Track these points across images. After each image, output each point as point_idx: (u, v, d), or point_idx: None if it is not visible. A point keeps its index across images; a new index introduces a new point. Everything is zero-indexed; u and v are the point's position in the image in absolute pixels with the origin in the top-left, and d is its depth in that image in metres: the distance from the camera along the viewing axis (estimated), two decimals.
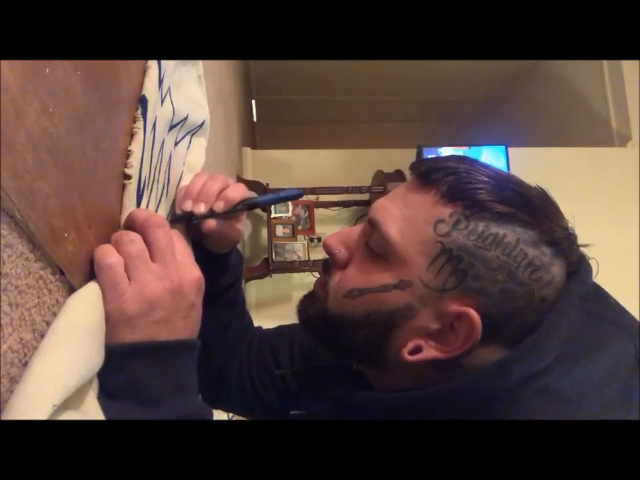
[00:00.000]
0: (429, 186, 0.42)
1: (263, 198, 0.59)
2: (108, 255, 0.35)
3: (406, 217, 0.42)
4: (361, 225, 0.47)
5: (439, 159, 0.44)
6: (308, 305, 0.50)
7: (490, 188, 0.40)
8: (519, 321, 0.40)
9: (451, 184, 0.41)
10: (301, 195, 0.59)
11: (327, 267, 0.48)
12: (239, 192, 0.51)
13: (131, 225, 0.39)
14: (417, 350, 0.41)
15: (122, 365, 0.34)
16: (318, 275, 0.50)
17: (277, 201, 0.60)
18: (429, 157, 0.43)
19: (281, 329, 0.73)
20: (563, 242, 0.41)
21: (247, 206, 0.52)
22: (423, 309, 0.41)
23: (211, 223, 0.49)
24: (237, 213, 0.52)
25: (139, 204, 0.43)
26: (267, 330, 0.73)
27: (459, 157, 0.44)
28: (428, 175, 0.42)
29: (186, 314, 0.39)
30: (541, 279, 0.39)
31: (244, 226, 0.55)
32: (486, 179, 0.41)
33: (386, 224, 0.42)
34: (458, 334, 0.40)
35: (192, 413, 0.38)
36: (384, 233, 0.42)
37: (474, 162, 0.43)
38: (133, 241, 0.37)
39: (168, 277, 0.37)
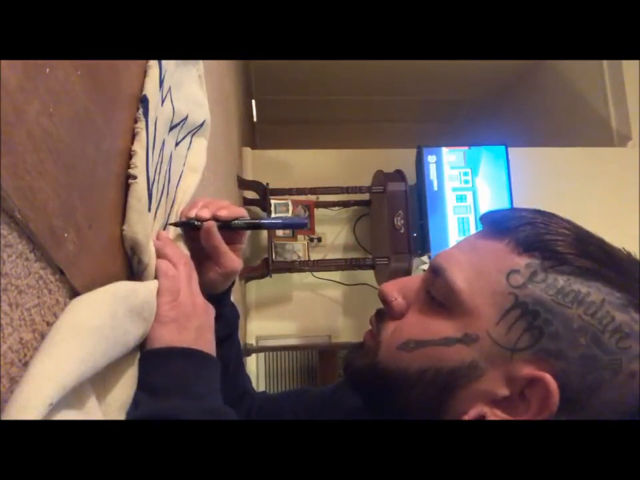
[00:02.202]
0: (502, 234, 0.39)
1: (267, 220, 0.57)
2: (171, 268, 0.43)
3: (474, 264, 0.39)
4: (421, 274, 0.44)
5: (513, 210, 0.41)
6: (356, 357, 0.45)
7: (571, 240, 0.37)
8: (602, 397, 0.34)
9: (528, 233, 0.37)
10: (305, 225, 0.58)
11: (381, 316, 0.44)
12: (242, 210, 0.52)
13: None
14: (480, 419, 0.37)
15: (173, 364, 0.39)
16: (370, 326, 0.45)
17: (281, 227, 0.58)
18: (498, 208, 0.43)
19: (286, 393, 0.68)
20: None
21: (249, 225, 0.52)
22: (490, 369, 0.36)
23: (212, 227, 0.48)
24: (237, 237, 0.52)
25: (149, 204, 0.43)
26: (270, 394, 0.69)
27: (534, 209, 0.41)
28: (501, 222, 0.39)
29: (210, 330, 0.45)
30: (630, 349, 0.34)
31: (241, 258, 0.52)
32: (566, 231, 0.38)
33: (451, 270, 0.39)
34: (530, 403, 0.35)
35: (228, 412, 0.40)
36: (448, 279, 0.38)
37: (551, 214, 0.40)
38: (187, 263, 0.45)
39: (200, 295, 0.45)
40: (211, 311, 0.46)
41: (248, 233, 0.55)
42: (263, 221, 0.55)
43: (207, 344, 0.43)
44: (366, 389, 0.44)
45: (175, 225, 0.50)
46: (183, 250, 0.49)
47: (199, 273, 0.48)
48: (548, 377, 0.34)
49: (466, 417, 0.37)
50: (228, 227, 0.50)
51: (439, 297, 0.39)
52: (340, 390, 0.59)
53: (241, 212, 0.51)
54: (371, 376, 0.42)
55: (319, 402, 0.59)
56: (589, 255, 0.36)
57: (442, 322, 0.39)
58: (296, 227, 0.57)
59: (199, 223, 0.49)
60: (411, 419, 0.40)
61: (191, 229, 0.50)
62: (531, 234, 0.37)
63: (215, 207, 0.50)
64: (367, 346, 0.44)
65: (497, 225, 0.40)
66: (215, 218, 0.49)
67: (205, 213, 0.49)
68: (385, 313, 0.43)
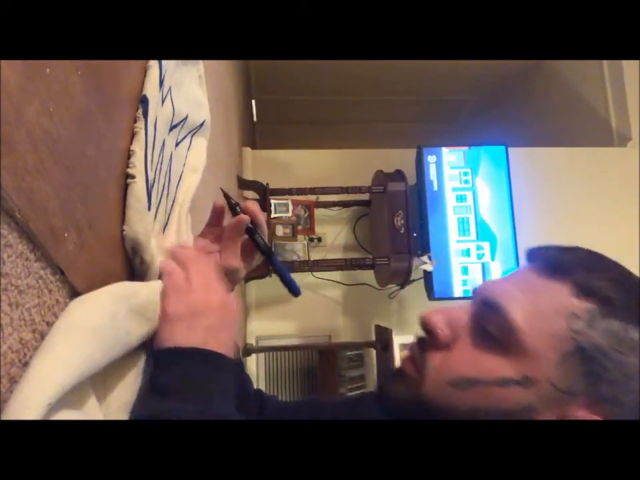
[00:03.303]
0: (561, 275, 0.38)
1: (277, 258, 0.57)
2: (175, 267, 0.43)
3: (533, 303, 0.38)
4: (468, 306, 0.43)
5: (567, 249, 0.41)
6: (396, 385, 0.43)
7: (627, 287, 0.37)
8: None
9: (587, 277, 0.37)
10: (296, 294, 0.58)
11: (423, 345, 0.42)
12: (266, 233, 0.54)
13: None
14: None
15: (179, 364, 0.38)
16: (407, 353, 0.44)
17: (278, 273, 0.58)
18: (549, 245, 0.42)
19: (299, 403, 0.66)
20: None
21: (264, 245, 0.54)
22: (544, 411, 0.36)
23: (246, 220, 0.50)
24: (247, 254, 0.54)
25: (149, 203, 0.43)
26: (283, 402, 0.66)
27: (586, 249, 0.41)
28: (559, 263, 0.39)
29: (226, 327, 0.43)
30: None
31: (242, 274, 0.53)
32: (619, 276, 0.38)
33: (510, 307, 0.38)
34: None
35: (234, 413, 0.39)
36: (508, 317, 0.37)
37: (602, 256, 0.40)
38: (199, 261, 0.45)
39: (217, 292, 0.44)
40: (230, 307, 0.44)
41: (256, 258, 0.56)
42: (274, 257, 0.56)
43: (219, 343, 0.41)
44: (407, 419, 0.42)
45: (226, 196, 0.53)
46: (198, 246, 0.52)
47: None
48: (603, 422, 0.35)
49: None
50: (250, 233, 0.53)
51: (496, 333, 0.38)
52: (360, 404, 0.58)
53: (265, 233, 0.54)
54: (415, 409, 0.40)
55: (329, 414, 0.58)
56: None
57: (497, 360, 0.38)
58: (291, 288, 0.59)
59: (239, 210, 0.52)
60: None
61: (230, 208, 0.53)
62: (590, 279, 0.37)
63: (260, 212, 0.53)
64: (409, 376, 0.42)
65: (554, 265, 0.39)
66: (252, 217, 0.51)
67: (253, 208, 0.52)
68: (429, 343, 0.42)
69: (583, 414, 0.36)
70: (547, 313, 0.37)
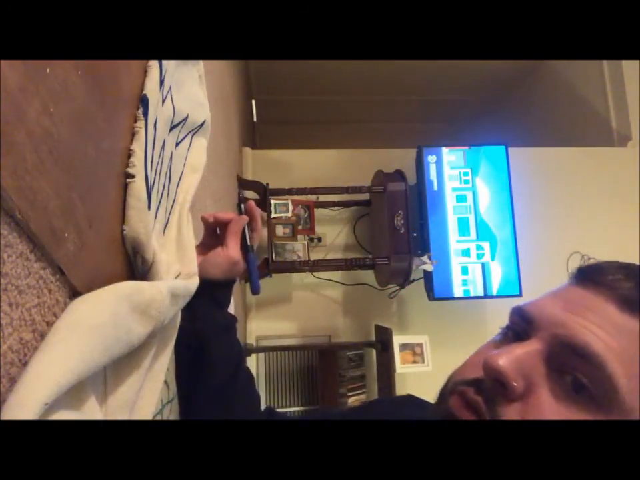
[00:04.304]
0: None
1: (253, 254, 0.68)
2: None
3: (627, 352, 0.33)
4: (537, 343, 0.36)
5: (629, 272, 0.36)
6: None
7: None
8: None
9: None
10: (254, 293, 0.70)
11: (489, 396, 0.35)
12: (256, 238, 0.68)
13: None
14: None
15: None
16: (458, 399, 0.37)
17: (249, 265, 0.67)
18: (612, 265, 0.36)
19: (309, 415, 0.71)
20: None
21: (244, 241, 0.66)
22: None
23: (244, 216, 0.65)
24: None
25: (149, 203, 0.43)
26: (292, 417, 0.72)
27: None
28: (635, 297, 0.34)
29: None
30: None
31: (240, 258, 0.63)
32: None
33: (610, 361, 0.33)
34: None
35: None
36: (610, 374, 0.32)
37: None
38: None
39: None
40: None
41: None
42: (251, 253, 0.67)
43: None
44: None
45: (241, 184, 0.64)
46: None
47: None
48: None
49: None
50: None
51: (592, 388, 0.33)
52: (367, 409, 0.62)
53: (259, 231, 0.69)
54: None
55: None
56: None
57: (588, 417, 0.33)
58: (252, 285, 0.69)
59: (243, 207, 0.66)
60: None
61: (239, 199, 0.69)
62: None
63: (257, 212, 0.68)
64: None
65: (635, 300, 0.34)
66: (251, 216, 0.66)
67: (253, 208, 0.67)
68: (498, 394, 0.35)
69: None
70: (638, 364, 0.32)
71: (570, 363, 0.34)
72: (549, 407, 0.34)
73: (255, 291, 0.68)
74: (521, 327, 0.38)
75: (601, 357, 0.33)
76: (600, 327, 0.34)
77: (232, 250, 0.62)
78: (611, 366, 0.32)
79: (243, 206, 0.67)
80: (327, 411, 0.67)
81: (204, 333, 0.61)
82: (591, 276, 0.37)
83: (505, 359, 0.35)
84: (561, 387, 0.34)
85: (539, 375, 0.35)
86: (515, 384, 0.35)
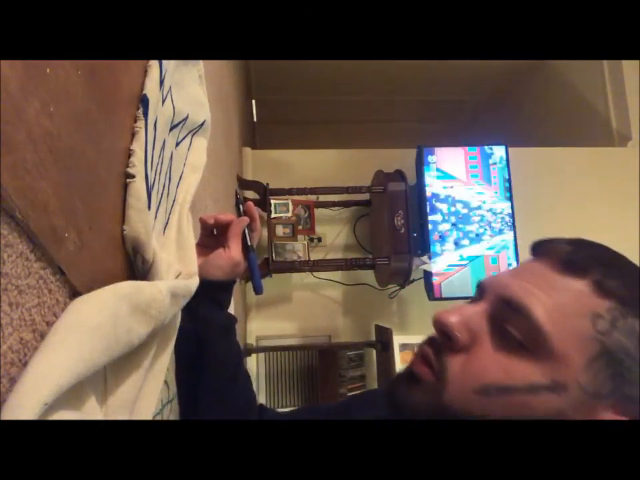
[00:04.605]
0: (578, 273, 0.37)
1: (254, 254, 0.68)
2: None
3: (557, 303, 0.36)
4: (483, 304, 0.41)
5: (576, 243, 0.40)
6: (412, 392, 0.40)
7: (637, 282, 0.37)
8: None
9: (605, 274, 0.36)
10: (258, 293, 0.69)
11: (438, 348, 0.40)
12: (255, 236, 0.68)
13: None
14: None
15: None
16: (417, 354, 0.42)
17: (250, 266, 0.68)
18: (557, 238, 0.41)
19: (295, 411, 0.71)
20: None
21: (245, 242, 0.66)
22: (574, 417, 0.35)
23: (247, 215, 0.66)
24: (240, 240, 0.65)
25: (149, 203, 0.43)
26: (281, 412, 0.73)
27: (595, 243, 0.40)
28: (575, 260, 0.38)
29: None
30: None
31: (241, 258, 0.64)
32: (633, 272, 0.38)
33: (535, 309, 0.36)
34: None
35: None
36: (534, 320, 0.36)
37: (613, 251, 0.39)
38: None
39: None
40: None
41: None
42: (251, 253, 0.67)
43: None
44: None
45: (241, 184, 0.64)
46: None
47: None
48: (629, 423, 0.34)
49: None
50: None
51: (520, 336, 0.37)
52: (355, 402, 0.62)
53: (258, 231, 0.68)
54: (435, 415, 0.39)
55: (328, 415, 0.62)
56: None
57: (525, 365, 0.36)
58: (255, 285, 0.69)
59: (242, 207, 0.67)
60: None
61: (236, 199, 0.70)
62: (608, 276, 0.36)
63: (256, 213, 0.67)
64: (424, 380, 0.40)
65: (571, 261, 0.38)
66: (250, 217, 0.66)
67: (252, 209, 0.67)
68: (445, 346, 0.40)
69: (609, 416, 0.35)
70: (571, 313, 0.36)
71: (507, 317, 0.38)
72: (489, 356, 0.38)
73: (258, 290, 0.68)
74: (477, 295, 0.43)
75: (528, 307, 0.36)
76: (536, 286, 0.38)
77: (234, 252, 0.62)
78: (538, 315, 0.36)
79: (241, 206, 0.67)
80: (315, 407, 0.68)
81: (204, 334, 0.61)
82: (540, 248, 0.42)
83: (451, 315, 0.40)
84: (501, 340, 0.38)
85: (482, 331, 0.39)
86: (459, 335, 0.39)
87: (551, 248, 0.40)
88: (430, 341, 0.41)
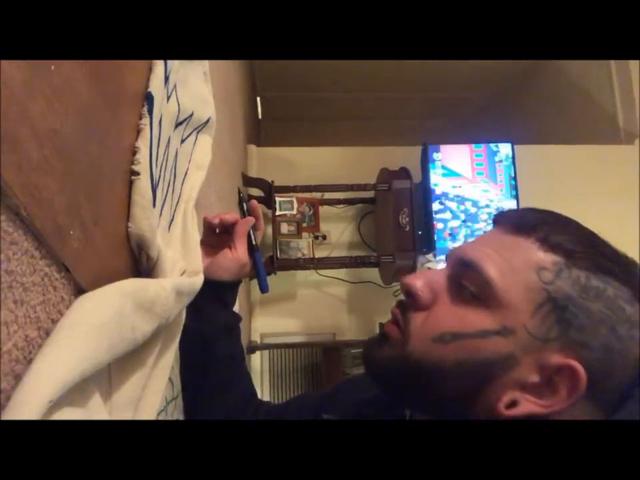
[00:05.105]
0: (527, 232, 0.41)
1: (259, 254, 0.67)
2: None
3: (505, 259, 0.41)
4: (445, 268, 0.46)
5: (531, 210, 0.44)
6: (380, 348, 0.45)
7: (585, 240, 0.40)
8: (615, 380, 0.38)
9: (549, 231, 0.40)
10: (264, 291, 0.69)
11: (404, 308, 0.45)
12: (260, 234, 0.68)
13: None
14: (512, 404, 0.39)
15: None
16: (391, 317, 0.46)
17: (256, 265, 0.68)
18: (512, 208, 0.43)
19: (288, 401, 0.70)
20: None
21: (251, 242, 0.65)
22: (523, 359, 0.39)
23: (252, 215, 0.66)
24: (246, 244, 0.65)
25: (154, 200, 0.42)
26: (274, 404, 0.72)
27: (547, 210, 0.44)
28: (524, 222, 0.42)
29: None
30: (636, 337, 0.38)
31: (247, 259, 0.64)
32: (579, 231, 0.41)
33: (486, 265, 0.40)
34: (557, 388, 0.38)
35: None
36: (484, 274, 0.40)
37: (560, 214, 0.43)
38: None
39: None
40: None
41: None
42: (257, 252, 0.67)
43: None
44: (393, 380, 0.45)
45: (246, 182, 0.63)
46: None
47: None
48: (576, 365, 0.37)
49: (500, 404, 0.39)
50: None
51: (473, 289, 0.41)
52: (344, 387, 0.63)
53: (262, 230, 0.68)
54: (401, 367, 0.43)
55: (318, 401, 0.62)
56: (602, 253, 0.40)
57: (478, 314, 0.40)
58: (261, 284, 0.69)
59: (245, 205, 0.67)
60: (439, 409, 0.43)
61: (239, 198, 0.69)
62: (554, 233, 0.40)
63: (260, 211, 0.68)
64: (392, 337, 0.44)
65: (520, 223, 0.42)
66: (255, 216, 0.66)
67: (256, 208, 0.67)
68: (410, 305, 0.44)
69: (557, 358, 0.38)
70: (519, 267, 0.40)
71: (463, 274, 0.42)
72: (446, 309, 0.42)
73: (265, 289, 0.68)
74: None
75: (479, 263, 0.41)
76: (488, 246, 0.42)
77: (240, 252, 0.62)
78: (487, 269, 0.40)
79: (245, 205, 0.67)
80: (305, 395, 0.69)
81: (209, 333, 0.61)
82: (497, 217, 0.46)
83: (416, 277, 0.45)
84: (458, 294, 0.42)
85: (442, 289, 0.44)
86: (421, 294, 0.43)
87: (505, 215, 0.45)
88: (399, 304, 0.46)
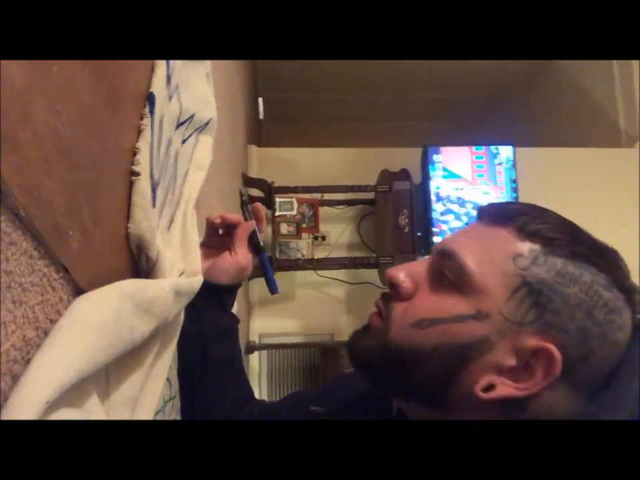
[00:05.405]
0: (504, 223, 0.42)
1: (265, 255, 0.67)
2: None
3: (483, 248, 0.42)
4: (427, 259, 0.47)
5: (510, 202, 0.47)
6: (363, 338, 0.47)
7: (563, 229, 0.41)
8: (592, 364, 0.39)
9: (527, 221, 0.41)
10: (274, 292, 0.67)
11: (387, 299, 0.46)
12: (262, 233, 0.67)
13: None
14: (490, 387, 0.40)
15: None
16: (376, 309, 0.48)
17: (263, 269, 0.67)
18: (493, 202, 0.49)
19: (281, 400, 0.71)
20: (631, 292, 0.40)
21: (257, 243, 0.65)
22: (499, 342, 0.40)
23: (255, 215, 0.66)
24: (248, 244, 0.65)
25: (154, 201, 0.42)
26: (267, 402, 0.73)
27: (527, 203, 0.45)
28: (502, 212, 0.44)
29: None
30: (614, 322, 0.39)
31: (249, 263, 0.64)
32: (557, 221, 0.42)
33: (462, 253, 0.42)
34: (534, 371, 0.39)
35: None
36: (460, 261, 0.42)
37: (537, 205, 0.44)
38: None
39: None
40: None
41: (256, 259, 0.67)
42: (263, 254, 0.67)
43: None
44: (376, 368, 0.46)
45: (246, 182, 0.60)
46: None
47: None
48: (553, 347, 0.38)
49: (477, 386, 0.40)
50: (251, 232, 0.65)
51: (451, 277, 0.42)
52: (336, 381, 0.64)
53: (263, 231, 0.68)
54: (383, 354, 0.44)
55: (309, 397, 0.63)
56: (579, 241, 0.41)
57: (454, 300, 0.42)
58: (270, 286, 0.68)
59: (248, 208, 0.66)
60: (419, 393, 0.44)
61: (241, 200, 0.67)
62: (530, 223, 0.41)
63: (263, 214, 0.68)
64: (375, 327, 0.46)
65: (498, 214, 0.44)
66: (257, 218, 0.66)
67: (259, 210, 0.67)
68: (392, 296, 0.46)
69: (533, 342, 0.39)
70: (496, 255, 0.41)
71: (442, 264, 0.44)
72: (425, 297, 0.44)
73: (274, 290, 0.67)
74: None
75: (456, 252, 0.42)
76: (467, 237, 0.44)
77: (240, 256, 0.62)
78: (463, 256, 0.42)
79: (249, 207, 0.66)
80: (298, 392, 0.69)
81: (207, 335, 0.62)
82: (478, 212, 0.47)
83: (398, 269, 0.46)
84: (437, 283, 0.44)
85: (422, 279, 0.45)
86: (403, 284, 0.45)
87: (486, 208, 0.47)
88: (383, 295, 0.47)
